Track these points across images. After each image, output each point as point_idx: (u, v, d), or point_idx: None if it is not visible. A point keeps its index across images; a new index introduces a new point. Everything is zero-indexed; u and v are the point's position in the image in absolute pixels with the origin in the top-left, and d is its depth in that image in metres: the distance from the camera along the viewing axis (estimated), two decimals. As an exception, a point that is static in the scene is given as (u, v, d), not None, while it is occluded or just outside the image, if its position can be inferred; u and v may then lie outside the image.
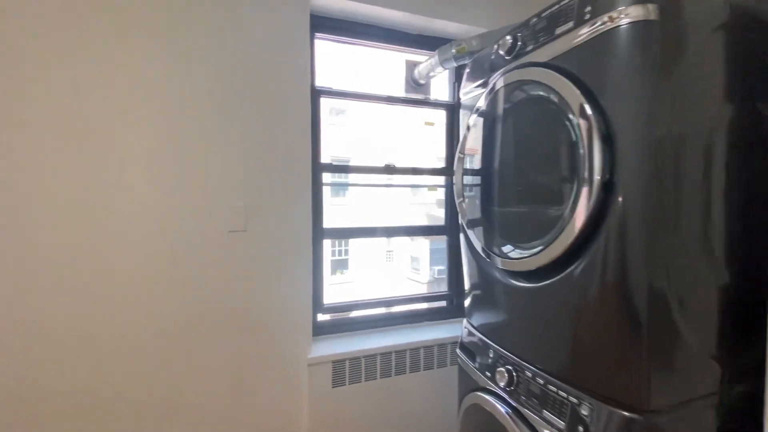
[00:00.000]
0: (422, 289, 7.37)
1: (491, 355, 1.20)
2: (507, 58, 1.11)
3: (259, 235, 1.51)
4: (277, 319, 1.55)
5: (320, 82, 1.75)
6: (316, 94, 1.71)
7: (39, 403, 1.28)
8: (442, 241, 2.11)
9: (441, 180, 2.11)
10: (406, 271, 8.85)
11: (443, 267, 2.13)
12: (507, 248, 1.08)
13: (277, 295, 1.55)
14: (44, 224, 1.27)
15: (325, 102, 1.77)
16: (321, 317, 1.79)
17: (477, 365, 1.27)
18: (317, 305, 1.74)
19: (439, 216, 2.16)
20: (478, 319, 1.33)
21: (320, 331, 1.76)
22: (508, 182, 1.13)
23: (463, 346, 1.38)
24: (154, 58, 1.36)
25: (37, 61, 1.25)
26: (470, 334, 1.35)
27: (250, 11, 1.47)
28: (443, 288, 2.11)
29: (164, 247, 1.40)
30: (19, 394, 1.26)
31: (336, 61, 2.20)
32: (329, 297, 1.82)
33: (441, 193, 2.14)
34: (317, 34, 1.73)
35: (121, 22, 1.32)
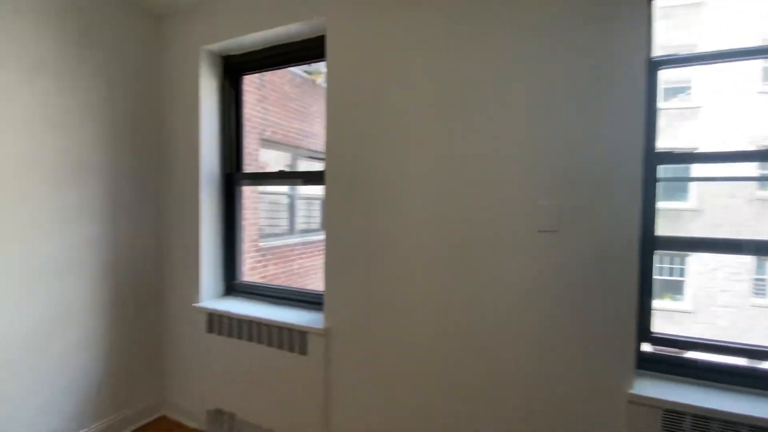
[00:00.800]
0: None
1: None
2: None
3: (572, 237, 1.37)
4: (589, 334, 1.36)
5: (657, 51, 1.38)
6: (653, 66, 1.36)
7: (406, 362, 1.70)
8: None
9: None
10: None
11: None
12: None
13: (591, 307, 1.36)
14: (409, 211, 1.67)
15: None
16: (644, 347, 1.42)
17: None
18: (642, 332, 1.40)
19: None
20: None
21: (644, 365, 1.40)
22: None
23: None
24: (481, 58, 1.50)
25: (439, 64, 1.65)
26: None
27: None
28: None
29: (479, 242, 1.52)
30: (395, 354, 1.72)
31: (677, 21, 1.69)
32: (656, 326, 1.43)
33: None
34: (658, -9, 1.37)
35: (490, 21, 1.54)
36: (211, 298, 2.28)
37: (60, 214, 1.90)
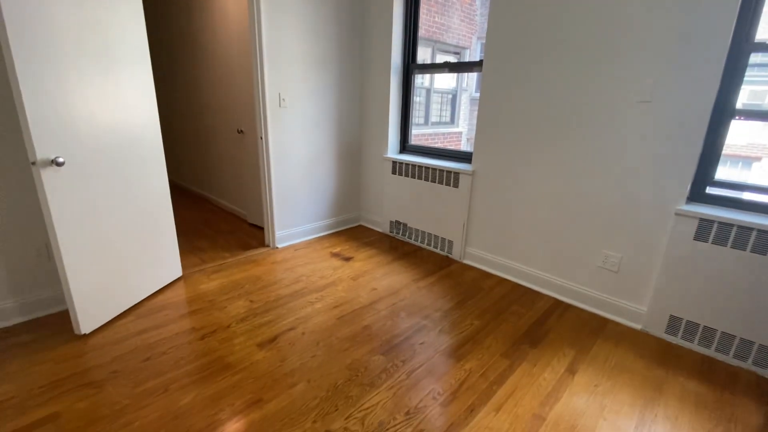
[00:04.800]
0: None
1: None
2: None
3: (662, 106, 2.00)
4: (660, 171, 2.06)
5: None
6: (768, -33, 1.73)
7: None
8: None
9: None
10: None
11: None
12: None
13: (666, 155, 2.03)
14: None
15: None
16: (709, 189, 2.06)
17: None
18: (707, 178, 2.03)
19: None
20: None
21: (707, 200, 2.06)
22: None
23: None
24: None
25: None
26: None
27: None
28: None
29: (593, 109, 2.22)
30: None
31: None
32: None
33: None
34: None
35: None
36: (393, 153, 3.47)
37: (318, 88, 3.16)
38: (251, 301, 2.36)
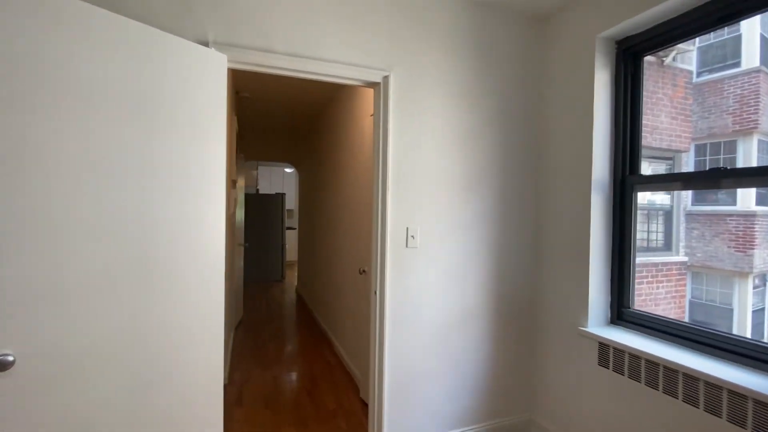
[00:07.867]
0: None
1: None
2: None
3: None
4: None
5: None
6: None
7: None
8: None
9: None
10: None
11: None
12: None
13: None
14: None
15: None
16: None
17: None
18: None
19: None
20: None
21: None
22: None
23: None
24: None
25: None
26: None
27: None
28: None
29: None
30: None
31: None
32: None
33: None
34: None
35: None
36: (598, 324, 1.95)
37: (466, 219, 2.10)
38: None
